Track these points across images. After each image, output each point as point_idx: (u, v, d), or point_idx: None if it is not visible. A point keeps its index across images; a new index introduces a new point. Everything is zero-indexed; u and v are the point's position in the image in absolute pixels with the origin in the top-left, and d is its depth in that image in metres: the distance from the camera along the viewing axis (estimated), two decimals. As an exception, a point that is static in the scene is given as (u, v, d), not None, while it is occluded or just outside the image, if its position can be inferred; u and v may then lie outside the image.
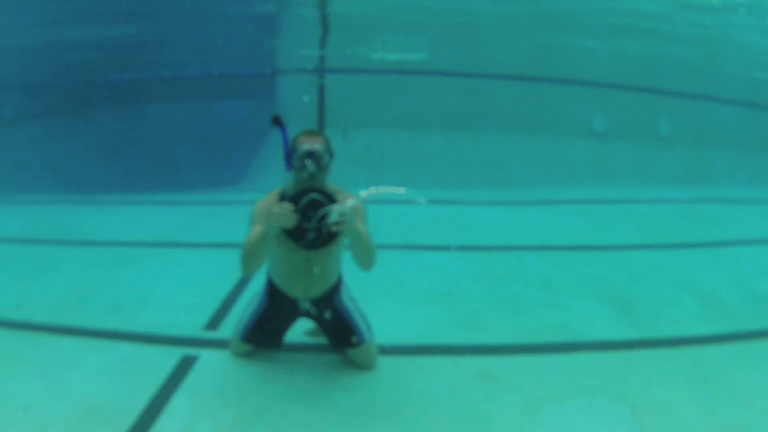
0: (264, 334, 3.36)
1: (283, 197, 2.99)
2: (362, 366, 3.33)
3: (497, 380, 3.26)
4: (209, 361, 3.42)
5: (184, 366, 3.35)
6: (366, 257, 2.97)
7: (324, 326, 3.35)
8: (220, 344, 3.60)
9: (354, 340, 3.28)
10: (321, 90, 8.69)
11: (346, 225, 2.75)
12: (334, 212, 2.72)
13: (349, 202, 2.72)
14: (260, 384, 3.19)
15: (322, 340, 3.56)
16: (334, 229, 2.76)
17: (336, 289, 3.29)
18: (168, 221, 6.32)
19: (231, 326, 3.56)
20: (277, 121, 3.03)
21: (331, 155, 3.00)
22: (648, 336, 3.83)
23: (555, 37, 8.70)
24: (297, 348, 3.54)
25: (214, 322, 3.91)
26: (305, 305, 3.22)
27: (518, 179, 8.09)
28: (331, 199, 2.83)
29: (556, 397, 3.11)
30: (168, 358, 3.42)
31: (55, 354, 3.49)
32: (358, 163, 7.62)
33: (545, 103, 8.74)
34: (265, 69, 9.56)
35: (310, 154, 2.89)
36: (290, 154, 2.97)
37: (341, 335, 3.30)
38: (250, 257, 2.88)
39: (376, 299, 4.15)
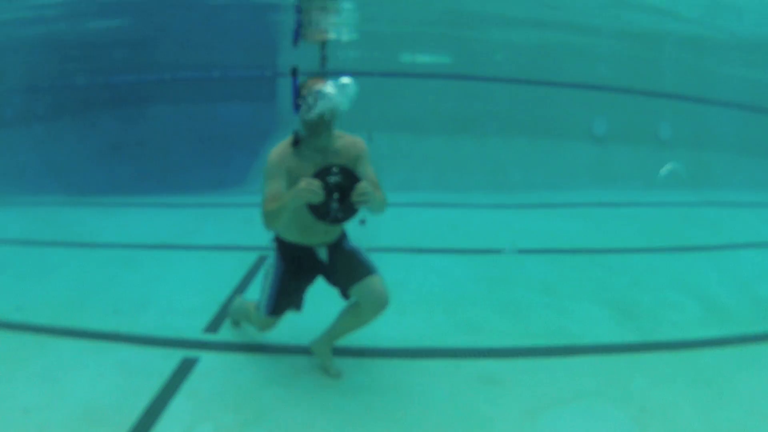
0: (288, 299, 3.27)
1: (296, 141, 3.01)
2: (376, 304, 3.09)
3: (498, 384, 3.26)
4: (210, 363, 3.42)
5: (185, 368, 3.35)
6: (378, 209, 3.02)
7: (336, 271, 3.23)
8: (221, 347, 3.61)
9: (366, 270, 3.15)
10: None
11: (368, 201, 2.82)
12: (359, 190, 2.79)
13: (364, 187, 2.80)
14: (261, 387, 3.19)
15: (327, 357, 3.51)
16: (358, 206, 2.85)
17: (344, 234, 3.32)
18: (169, 223, 6.32)
19: (233, 329, 3.55)
20: (294, 72, 3.13)
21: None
22: (649, 339, 3.83)
23: (557, 40, 8.70)
24: (298, 351, 3.54)
25: (215, 325, 3.90)
26: (322, 253, 3.19)
27: (519, 182, 8.08)
28: (355, 177, 2.87)
29: (557, 400, 3.11)
30: (168, 361, 3.43)
31: (56, 356, 3.49)
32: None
33: (546, 107, 8.74)
34: (265, 71, 9.57)
35: (322, 94, 2.92)
36: (299, 94, 3.00)
37: (355, 270, 3.16)
38: (274, 220, 2.90)
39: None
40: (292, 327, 3.57)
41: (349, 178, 2.86)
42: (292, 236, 3.17)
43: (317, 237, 3.16)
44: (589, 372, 3.40)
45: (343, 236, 3.31)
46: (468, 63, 8.82)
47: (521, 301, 4.37)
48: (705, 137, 8.96)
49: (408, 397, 3.12)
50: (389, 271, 4.54)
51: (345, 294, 3.20)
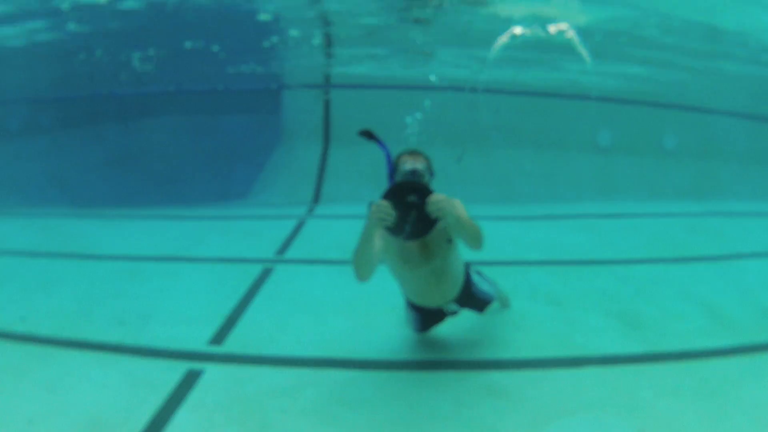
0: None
1: None
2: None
3: (503, 395, 3.24)
4: (214, 375, 3.42)
5: (189, 380, 3.35)
6: (471, 238, 3.05)
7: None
8: (226, 359, 3.60)
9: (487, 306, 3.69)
10: (326, 105, 8.71)
11: (443, 210, 2.81)
12: (431, 201, 2.79)
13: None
14: (265, 399, 3.18)
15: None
16: (433, 216, 2.83)
17: (468, 281, 3.46)
18: (173, 235, 6.33)
19: (238, 341, 3.54)
20: (369, 135, 3.13)
21: (431, 174, 3.13)
22: (654, 350, 3.81)
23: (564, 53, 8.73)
24: (302, 363, 3.53)
25: (219, 337, 3.90)
26: (451, 308, 3.42)
27: (524, 194, 8.08)
28: (426, 190, 2.86)
29: (563, 411, 3.09)
30: (173, 372, 3.42)
31: (60, 367, 3.49)
32: (364, 178, 7.62)
33: (551, 118, 8.75)
34: (270, 84, 9.61)
35: (413, 174, 3.01)
36: (393, 171, 3.10)
37: (478, 306, 3.65)
38: (358, 260, 2.88)
39: (382, 314, 4.14)
40: (297, 339, 3.57)
41: (421, 191, 2.84)
42: (414, 299, 3.39)
43: (435, 300, 3.35)
44: (594, 383, 3.38)
45: (469, 283, 3.49)
46: (474, 75, 8.84)
47: (526, 312, 4.35)
48: (709, 147, 8.97)
49: (413, 409, 3.11)
50: (395, 283, 4.50)
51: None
